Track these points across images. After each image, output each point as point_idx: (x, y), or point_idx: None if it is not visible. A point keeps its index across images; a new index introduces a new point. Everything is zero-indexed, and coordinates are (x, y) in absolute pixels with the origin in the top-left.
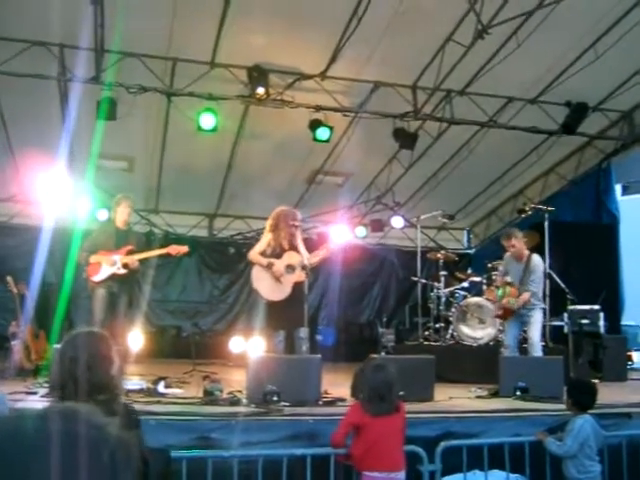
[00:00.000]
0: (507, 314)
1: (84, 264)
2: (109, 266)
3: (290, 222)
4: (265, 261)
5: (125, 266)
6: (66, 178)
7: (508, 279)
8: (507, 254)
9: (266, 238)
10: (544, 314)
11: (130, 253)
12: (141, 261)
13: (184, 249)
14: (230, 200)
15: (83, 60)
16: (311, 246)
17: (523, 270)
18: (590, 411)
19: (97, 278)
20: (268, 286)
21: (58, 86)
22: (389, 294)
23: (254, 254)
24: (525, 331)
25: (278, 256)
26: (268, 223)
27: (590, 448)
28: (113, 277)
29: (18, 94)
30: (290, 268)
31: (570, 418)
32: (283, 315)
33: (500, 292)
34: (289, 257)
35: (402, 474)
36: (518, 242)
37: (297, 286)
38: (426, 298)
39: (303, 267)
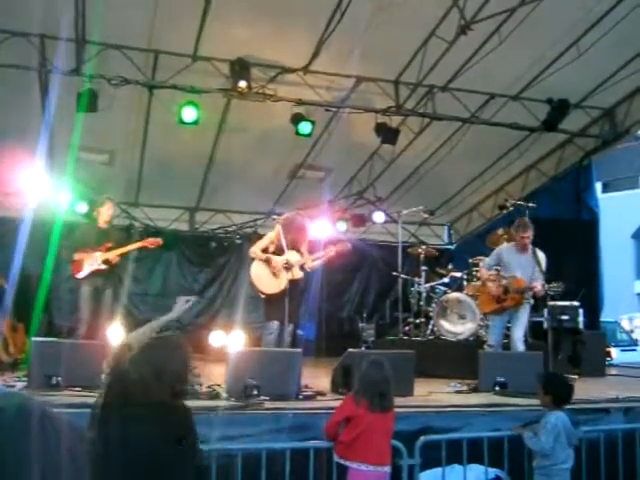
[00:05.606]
0: (502, 309)
1: (67, 261)
2: (90, 263)
3: (297, 229)
4: (264, 256)
5: (106, 262)
6: (46, 170)
7: (496, 270)
8: (506, 246)
9: (269, 236)
10: (529, 311)
11: (109, 249)
12: (121, 256)
13: (158, 241)
14: (211, 194)
15: (64, 51)
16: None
17: (533, 261)
18: (568, 406)
19: (80, 275)
20: (265, 280)
21: (38, 77)
22: (370, 289)
23: (255, 250)
24: (508, 327)
25: (279, 254)
26: (277, 224)
27: (561, 445)
28: (96, 273)
29: None
30: (288, 265)
31: (544, 414)
32: (279, 308)
33: (506, 284)
34: (289, 255)
35: (388, 468)
36: (532, 233)
37: (293, 284)
38: (407, 293)
39: (302, 267)
